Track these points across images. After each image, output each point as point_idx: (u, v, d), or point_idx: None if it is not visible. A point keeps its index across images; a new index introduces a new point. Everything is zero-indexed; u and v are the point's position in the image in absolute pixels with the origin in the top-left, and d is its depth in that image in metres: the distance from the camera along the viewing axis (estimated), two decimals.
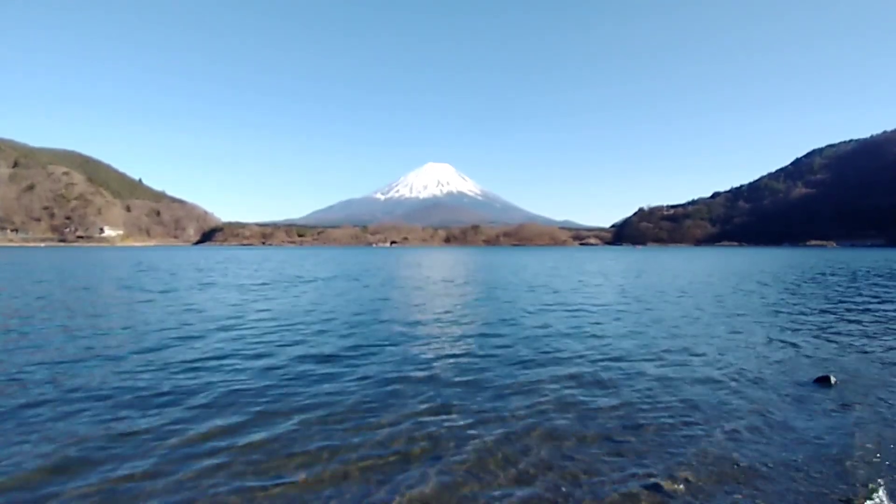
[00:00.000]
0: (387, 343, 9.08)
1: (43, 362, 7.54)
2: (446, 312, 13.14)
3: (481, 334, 10.11)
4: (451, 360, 7.72)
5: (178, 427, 4.92)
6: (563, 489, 3.86)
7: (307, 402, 5.70)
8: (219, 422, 5.07)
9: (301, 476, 3.95)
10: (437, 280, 24.84)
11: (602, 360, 7.96)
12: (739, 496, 3.78)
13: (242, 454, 4.34)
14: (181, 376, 6.74)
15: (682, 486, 3.90)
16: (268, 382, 6.44)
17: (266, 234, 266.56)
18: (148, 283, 21.78)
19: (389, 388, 6.27)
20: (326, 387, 6.26)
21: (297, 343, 9.07)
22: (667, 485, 3.91)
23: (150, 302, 15.14)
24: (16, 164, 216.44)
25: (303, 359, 7.79)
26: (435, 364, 7.48)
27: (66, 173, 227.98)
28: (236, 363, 7.50)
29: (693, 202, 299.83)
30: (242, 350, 8.43)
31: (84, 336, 9.74)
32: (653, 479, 3.97)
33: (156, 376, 6.77)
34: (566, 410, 5.60)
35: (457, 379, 6.73)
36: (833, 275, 29.54)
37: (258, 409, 5.49)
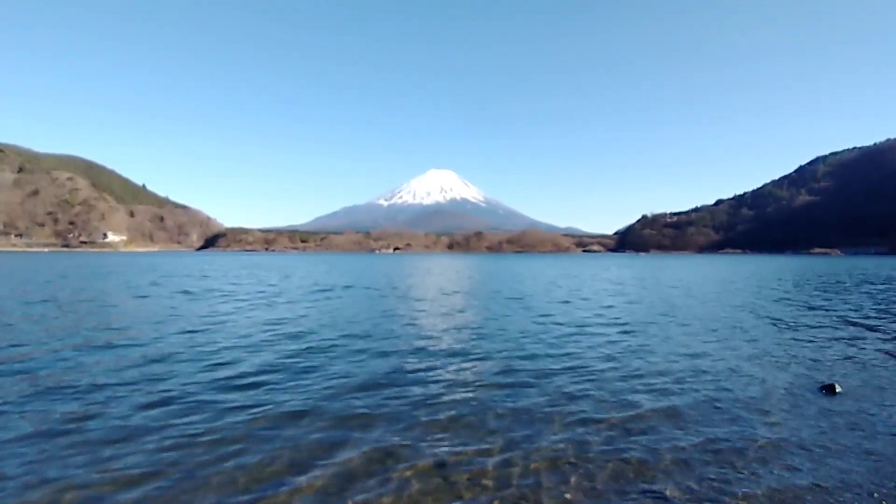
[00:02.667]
0: (433, 366, 7.92)
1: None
2: (482, 329, 11.71)
3: (528, 354, 8.93)
4: (501, 387, 6.77)
5: (252, 459, 4.45)
6: (568, 495, 3.89)
7: (372, 433, 5.09)
8: (273, 449, 4.62)
9: None
10: (457, 290, 23.03)
11: (608, 368, 7.88)
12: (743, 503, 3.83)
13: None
14: (236, 394, 6.32)
15: (685, 495, 3.88)
16: (322, 405, 5.86)
17: (269, 240, 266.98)
18: (193, 298, 21.15)
19: (447, 412, 5.65)
20: (384, 411, 5.69)
21: (338, 357, 8.38)
22: (670, 492, 3.91)
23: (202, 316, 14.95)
24: (20, 170, 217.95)
25: (354, 378, 7.05)
26: (491, 389, 6.59)
27: (70, 179, 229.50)
28: (288, 381, 6.84)
29: (696, 209, 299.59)
30: (292, 365, 7.79)
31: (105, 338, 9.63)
32: (656, 488, 3.97)
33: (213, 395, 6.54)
34: (572, 418, 5.50)
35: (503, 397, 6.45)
36: (839, 283, 29.35)
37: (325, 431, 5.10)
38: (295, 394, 6.29)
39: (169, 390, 6.38)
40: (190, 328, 11.29)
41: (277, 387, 6.60)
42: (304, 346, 9.40)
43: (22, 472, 4.13)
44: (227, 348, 9.05)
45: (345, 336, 10.48)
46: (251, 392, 6.36)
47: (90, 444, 4.71)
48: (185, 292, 20.23)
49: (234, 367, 7.67)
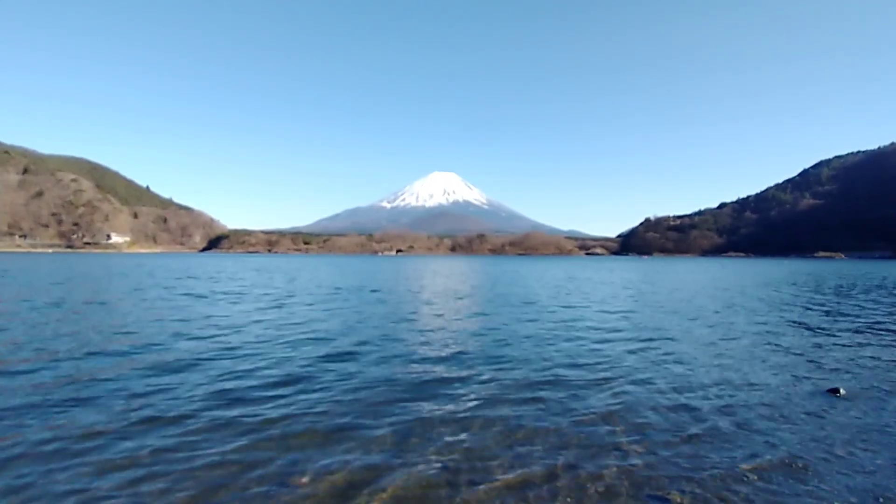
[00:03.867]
0: (463, 376, 7.29)
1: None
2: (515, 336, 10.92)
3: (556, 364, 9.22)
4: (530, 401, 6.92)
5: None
6: (570, 499, 3.89)
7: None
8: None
9: None
10: (473, 295, 21.68)
11: (608, 371, 7.89)
12: None
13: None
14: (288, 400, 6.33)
15: (689, 499, 3.87)
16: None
17: (272, 241, 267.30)
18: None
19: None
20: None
21: (372, 366, 7.91)
22: (674, 497, 3.90)
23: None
24: (25, 171, 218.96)
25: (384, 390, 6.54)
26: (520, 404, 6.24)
27: (74, 180, 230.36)
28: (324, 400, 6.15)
29: (699, 212, 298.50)
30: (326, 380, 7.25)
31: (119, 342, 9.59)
32: (660, 492, 3.95)
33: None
34: (577, 421, 5.50)
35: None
36: (845, 287, 29.23)
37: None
38: (326, 410, 5.80)
39: (193, 399, 6.35)
40: (213, 335, 10.88)
41: (314, 401, 6.08)
42: (347, 365, 8.03)
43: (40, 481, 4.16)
44: (249, 355, 8.75)
45: (372, 343, 9.83)
46: (279, 402, 6.14)
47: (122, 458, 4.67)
48: (200, 296, 20.20)
49: (262, 377, 7.30)
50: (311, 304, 16.89)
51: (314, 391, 6.51)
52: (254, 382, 6.89)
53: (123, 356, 8.39)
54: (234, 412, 5.61)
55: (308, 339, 10.39)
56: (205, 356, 8.47)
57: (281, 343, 9.82)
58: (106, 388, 6.45)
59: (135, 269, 42.26)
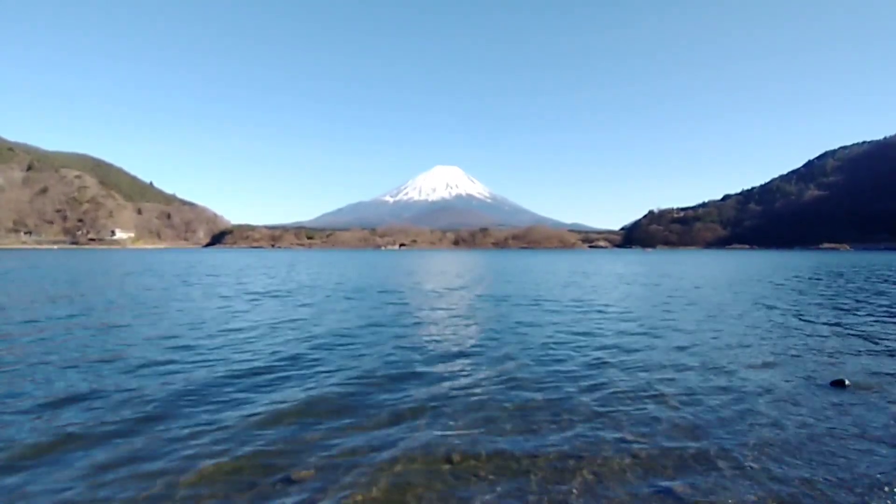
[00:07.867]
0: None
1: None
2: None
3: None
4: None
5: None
6: (574, 492, 3.86)
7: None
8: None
9: None
10: (517, 295, 18.96)
11: (608, 366, 7.92)
12: (753, 498, 3.75)
13: None
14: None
15: (692, 490, 3.86)
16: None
17: (275, 236, 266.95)
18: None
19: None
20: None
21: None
22: (677, 488, 3.89)
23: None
24: (29, 168, 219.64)
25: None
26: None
27: (78, 176, 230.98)
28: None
29: (703, 204, 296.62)
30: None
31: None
32: (664, 484, 3.96)
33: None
34: (580, 412, 5.55)
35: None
36: (847, 278, 29.11)
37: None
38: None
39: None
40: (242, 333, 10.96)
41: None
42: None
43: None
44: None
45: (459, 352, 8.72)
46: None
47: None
48: (230, 297, 20.15)
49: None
50: (367, 307, 15.38)
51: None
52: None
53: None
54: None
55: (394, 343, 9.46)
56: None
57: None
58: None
59: (155, 266, 42.37)
